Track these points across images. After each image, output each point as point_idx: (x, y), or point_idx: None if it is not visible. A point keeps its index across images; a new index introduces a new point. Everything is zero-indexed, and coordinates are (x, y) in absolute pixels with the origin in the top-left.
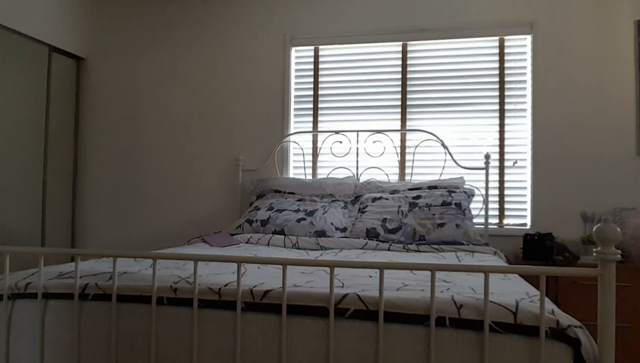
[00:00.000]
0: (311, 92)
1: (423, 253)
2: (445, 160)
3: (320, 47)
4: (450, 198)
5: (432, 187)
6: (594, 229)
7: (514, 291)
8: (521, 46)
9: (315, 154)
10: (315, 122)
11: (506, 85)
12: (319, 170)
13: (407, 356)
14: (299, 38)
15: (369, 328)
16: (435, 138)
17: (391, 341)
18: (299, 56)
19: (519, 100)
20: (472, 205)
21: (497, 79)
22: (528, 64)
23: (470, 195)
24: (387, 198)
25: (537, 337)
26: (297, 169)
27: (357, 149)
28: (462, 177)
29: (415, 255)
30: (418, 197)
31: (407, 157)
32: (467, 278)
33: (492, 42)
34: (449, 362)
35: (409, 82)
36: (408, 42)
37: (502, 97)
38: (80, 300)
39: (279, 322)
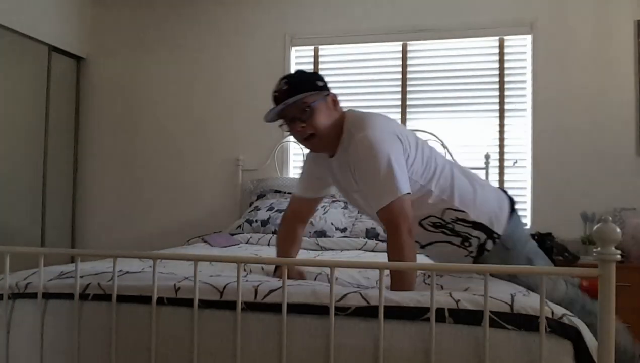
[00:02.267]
0: None
1: (423, 254)
2: None
3: (320, 47)
4: None
5: None
6: (594, 229)
7: (507, 288)
8: (521, 46)
9: None
10: None
11: (506, 85)
12: None
13: (408, 352)
14: (299, 38)
15: (370, 325)
16: (435, 138)
17: (392, 337)
18: (299, 56)
19: (518, 100)
20: None
21: (497, 79)
22: (528, 64)
23: None
24: None
25: (534, 330)
26: (297, 169)
27: None
28: None
29: None
30: None
31: None
32: (459, 282)
33: (492, 42)
34: (448, 358)
35: (408, 82)
36: (408, 42)
37: (502, 97)
38: (81, 301)
39: (280, 321)
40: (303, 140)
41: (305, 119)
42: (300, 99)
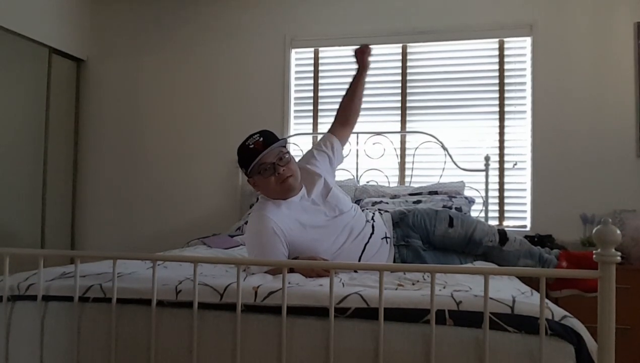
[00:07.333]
0: (311, 94)
1: None
2: (445, 162)
3: (320, 48)
4: (450, 202)
5: (433, 192)
6: (594, 231)
7: (507, 288)
8: (521, 48)
9: None
10: (315, 124)
11: (506, 87)
12: None
13: (408, 354)
14: (299, 40)
15: (370, 327)
16: (435, 140)
17: (392, 339)
18: (299, 58)
19: (518, 102)
20: (472, 208)
21: (496, 81)
22: (528, 65)
23: (470, 201)
24: (387, 203)
25: (535, 333)
26: None
27: (357, 150)
28: (462, 182)
29: None
30: (418, 202)
31: (407, 158)
32: (463, 277)
33: (492, 44)
34: (449, 360)
35: (408, 84)
36: (408, 44)
37: (501, 99)
38: (82, 302)
39: (280, 323)
40: (281, 183)
41: (283, 164)
42: (282, 144)
